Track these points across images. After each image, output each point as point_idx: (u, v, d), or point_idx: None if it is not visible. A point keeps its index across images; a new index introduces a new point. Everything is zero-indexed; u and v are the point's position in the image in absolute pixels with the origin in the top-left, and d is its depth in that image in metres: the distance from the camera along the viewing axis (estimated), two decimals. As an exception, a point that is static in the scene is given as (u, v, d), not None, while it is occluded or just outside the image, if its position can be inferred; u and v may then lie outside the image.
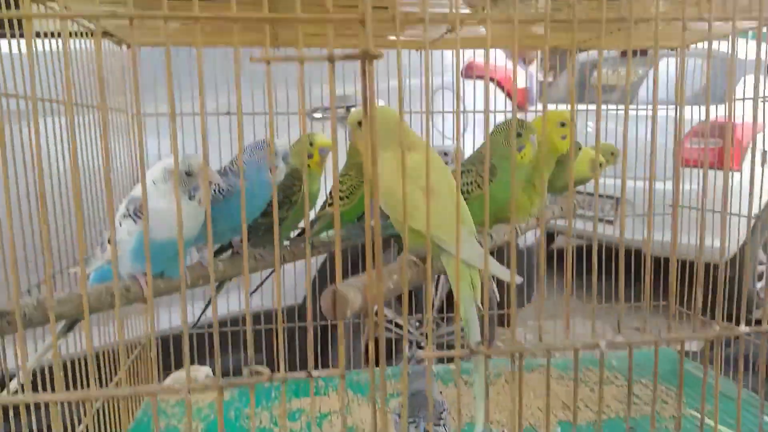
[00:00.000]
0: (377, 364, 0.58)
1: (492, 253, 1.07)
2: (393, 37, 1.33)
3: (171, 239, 0.84)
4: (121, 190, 1.29)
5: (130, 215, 0.85)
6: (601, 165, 1.47)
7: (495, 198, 1.02)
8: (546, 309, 2.06)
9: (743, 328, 0.71)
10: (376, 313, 0.60)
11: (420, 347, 2.16)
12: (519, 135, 0.99)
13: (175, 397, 1.46)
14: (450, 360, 2.22)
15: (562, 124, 1.15)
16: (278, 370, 0.61)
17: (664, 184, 1.73)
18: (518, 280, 0.70)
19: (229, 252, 1.07)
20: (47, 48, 0.95)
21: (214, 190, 0.97)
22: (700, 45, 1.47)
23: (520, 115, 2.53)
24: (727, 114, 0.80)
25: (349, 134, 0.84)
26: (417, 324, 2.07)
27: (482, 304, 0.72)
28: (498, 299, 1.98)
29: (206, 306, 1.31)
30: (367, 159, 0.65)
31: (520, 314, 2.46)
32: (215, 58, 1.18)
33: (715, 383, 0.73)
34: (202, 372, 1.51)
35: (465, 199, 0.95)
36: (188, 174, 0.87)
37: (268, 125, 0.61)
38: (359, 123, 0.81)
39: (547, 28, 0.66)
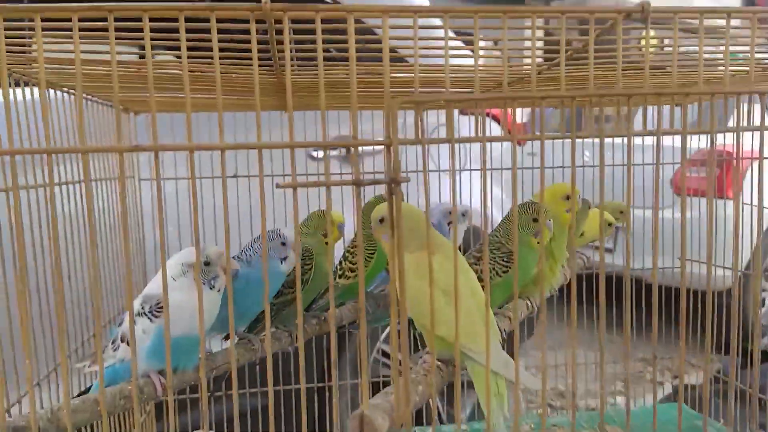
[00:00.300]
0: None
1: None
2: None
3: (187, 334, 0.82)
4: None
5: (145, 313, 0.83)
6: (610, 225, 1.46)
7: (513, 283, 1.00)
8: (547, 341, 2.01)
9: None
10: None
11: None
12: (535, 220, 0.98)
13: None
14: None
15: (567, 197, 1.13)
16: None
17: (662, 212, 1.70)
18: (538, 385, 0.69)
19: (236, 339, 1.05)
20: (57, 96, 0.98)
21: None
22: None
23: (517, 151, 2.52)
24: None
25: (372, 229, 0.83)
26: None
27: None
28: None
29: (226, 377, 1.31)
30: (393, 271, 0.64)
31: (522, 345, 2.42)
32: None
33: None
34: (208, 439, 1.48)
35: (484, 287, 0.94)
36: (206, 264, 0.86)
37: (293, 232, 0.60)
38: (381, 220, 0.80)
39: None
